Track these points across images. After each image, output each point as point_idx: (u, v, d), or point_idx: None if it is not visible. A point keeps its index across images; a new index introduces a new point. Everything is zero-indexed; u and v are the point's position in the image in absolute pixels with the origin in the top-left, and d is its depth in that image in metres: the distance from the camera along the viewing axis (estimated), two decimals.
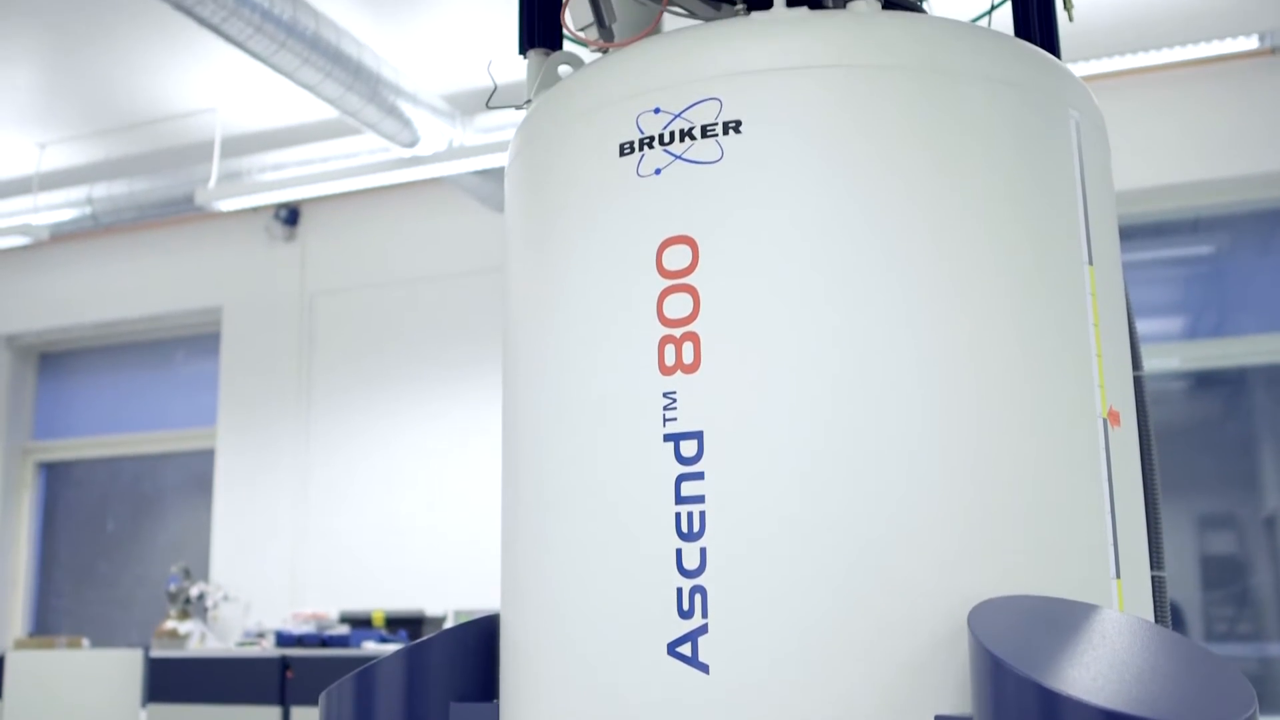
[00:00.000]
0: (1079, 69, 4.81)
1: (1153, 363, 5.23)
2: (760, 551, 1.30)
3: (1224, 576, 5.42)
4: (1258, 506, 5.39)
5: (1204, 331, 5.62)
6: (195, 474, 7.28)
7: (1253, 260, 5.58)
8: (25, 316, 7.66)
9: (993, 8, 1.86)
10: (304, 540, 6.62)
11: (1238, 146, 5.22)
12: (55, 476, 7.81)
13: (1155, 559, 1.56)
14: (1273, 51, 4.97)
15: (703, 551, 1.31)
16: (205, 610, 6.48)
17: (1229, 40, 4.79)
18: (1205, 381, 5.64)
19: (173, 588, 6.34)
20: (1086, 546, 1.37)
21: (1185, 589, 5.35)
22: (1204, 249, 5.73)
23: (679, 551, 1.32)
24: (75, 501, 7.75)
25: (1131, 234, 5.48)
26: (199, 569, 6.81)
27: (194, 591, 6.38)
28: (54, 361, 7.94)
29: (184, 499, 7.37)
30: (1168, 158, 5.29)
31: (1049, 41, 1.72)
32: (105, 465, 7.66)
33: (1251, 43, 4.80)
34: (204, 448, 7.18)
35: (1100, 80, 5.00)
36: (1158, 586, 1.56)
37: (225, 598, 6.54)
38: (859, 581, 1.28)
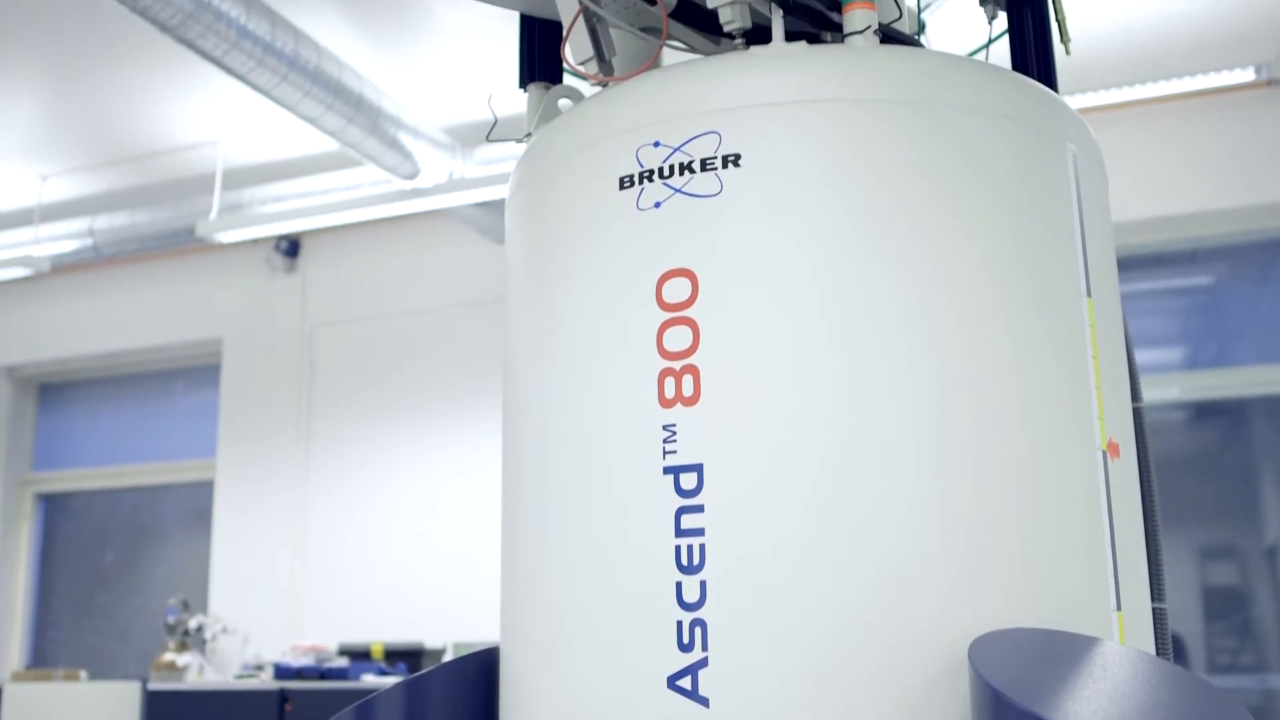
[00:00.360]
0: (1077, 101, 4.83)
1: (1152, 393, 5.23)
2: (760, 585, 1.29)
3: (1226, 608, 5.40)
4: (1259, 537, 5.38)
5: (1203, 362, 5.62)
6: (194, 506, 7.26)
7: (1251, 291, 5.59)
8: (26, 347, 7.66)
9: (990, 41, 1.87)
10: (303, 572, 6.60)
11: (1235, 177, 5.24)
12: (54, 508, 7.79)
13: (1156, 591, 1.55)
14: (1269, 83, 5.00)
15: (703, 584, 1.31)
16: (204, 642, 6.45)
17: (1225, 73, 4.82)
18: (1205, 412, 5.64)
19: (171, 620, 6.32)
20: (1087, 578, 1.37)
21: (1187, 620, 5.33)
22: (1203, 279, 5.74)
23: (679, 584, 1.32)
24: (74, 533, 7.73)
25: (1130, 265, 5.49)
26: (197, 601, 6.78)
27: (192, 623, 6.36)
28: (54, 392, 7.94)
29: (183, 531, 7.35)
30: (1166, 189, 5.30)
31: (1046, 75, 1.73)
32: (104, 496, 7.64)
33: (1248, 75, 4.82)
34: (203, 479, 7.17)
35: (1098, 112, 5.02)
36: (1159, 618, 1.55)
37: (224, 630, 6.52)
38: (859, 615, 1.28)
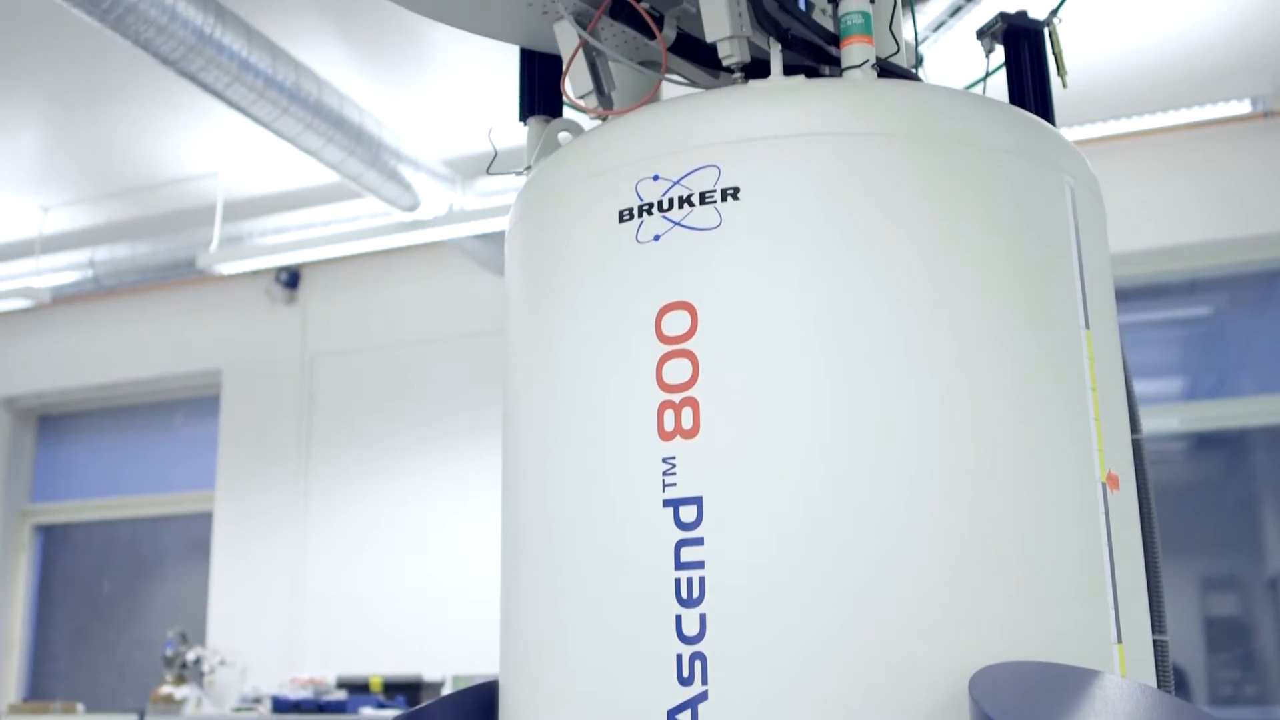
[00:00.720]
0: (1076, 133, 4.85)
1: (1152, 424, 5.23)
2: (760, 618, 1.29)
3: (1228, 639, 5.38)
4: (1261, 568, 5.37)
5: (1203, 393, 5.62)
6: (193, 537, 7.24)
7: (1250, 321, 5.60)
8: (25, 378, 7.66)
9: (987, 75, 1.88)
10: (301, 604, 6.58)
11: (1232, 208, 5.26)
12: (52, 539, 7.77)
13: (1157, 623, 1.55)
14: (1265, 115, 5.02)
15: (702, 617, 1.31)
16: (201, 675, 6.42)
17: (1222, 105, 4.84)
18: (1205, 442, 5.64)
19: (169, 652, 6.29)
20: (1087, 611, 1.37)
21: (1189, 652, 5.31)
22: (1202, 310, 5.75)
23: (679, 618, 1.32)
24: (72, 564, 7.71)
25: (1129, 295, 5.50)
26: (195, 633, 6.76)
27: (190, 656, 6.33)
28: (53, 424, 7.93)
29: (181, 562, 7.32)
30: (1164, 220, 5.32)
31: (1043, 108, 1.74)
32: (102, 528, 7.62)
33: (1244, 107, 4.85)
34: (202, 510, 7.15)
35: (1095, 144, 5.04)
36: (1160, 650, 1.55)
37: (222, 662, 6.49)
38: (858, 647, 1.27)
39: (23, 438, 7.84)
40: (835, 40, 1.53)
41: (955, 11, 2.69)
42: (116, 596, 7.48)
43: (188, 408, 7.54)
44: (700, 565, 1.32)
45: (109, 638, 7.41)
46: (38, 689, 7.53)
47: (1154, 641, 1.52)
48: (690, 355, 1.38)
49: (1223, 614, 5.45)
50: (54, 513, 7.74)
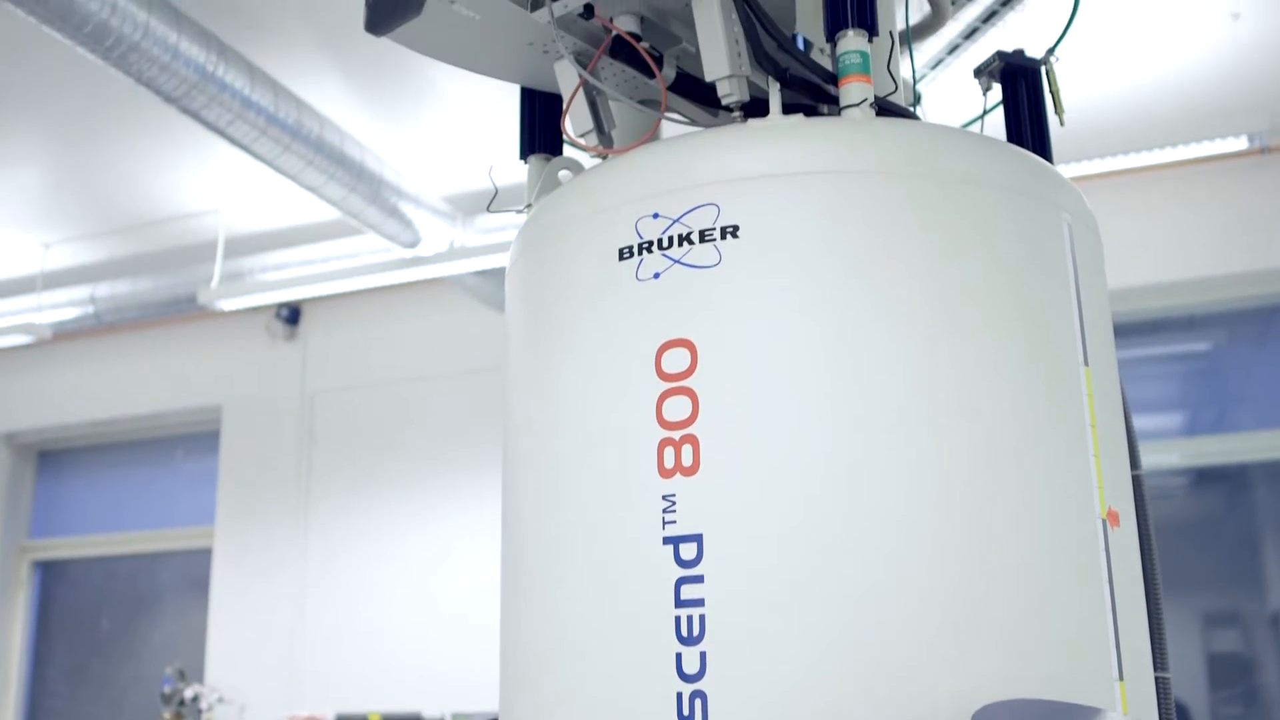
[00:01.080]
0: (1074, 169, 4.87)
1: (1152, 459, 5.22)
2: (761, 656, 1.29)
3: (1230, 675, 5.36)
4: (1263, 604, 5.35)
5: (1203, 428, 5.62)
6: (192, 574, 7.22)
7: (1249, 356, 5.60)
8: (26, 414, 7.66)
9: (985, 113, 1.89)
10: (300, 641, 6.55)
11: (1231, 244, 5.27)
12: (51, 575, 7.75)
13: (1159, 659, 1.55)
14: (1261, 151, 5.05)
15: (703, 655, 1.30)
16: (200, 712, 6.39)
17: (1219, 141, 4.87)
18: (1206, 478, 5.63)
19: (167, 689, 6.26)
20: (1088, 648, 1.36)
21: (1192, 689, 5.28)
22: (1201, 345, 5.76)
23: (679, 656, 1.31)
24: (70, 601, 7.68)
25: (1129, 330, 5.51)
26: (194, 670, 6.73)
27: (188, 693, 6.30)
28: (53, 459, 7.93)
29: (180, 599, 7.30)
30: (1162, 255, 5.34)
31: (1040, 146, 1.75)
32: (101, 564, 7.60)
33: (1241, 143, 4.87)
34: (201, 547, 7.13)
35: (1094, 180, 5.06)
36: (1162, 688, 1.55)
37: (220, 699, 6.45)
38: (859, 685, 1.27)
39: (22, 473, 7.83)
40: (834, 79, 1.54)
41: (953, 50, 2.71)
42: (115, 633, 7.45)
43: (188, 443, 7.53)
44: (700, 603, 1.32)
45: (107, 674, 7.37)
46: None
47: (1156, 678, 1.52)
48: (690, 392, 1.38)
49: (1225, 650, 5.43)
50: (53, 549, 7.72)
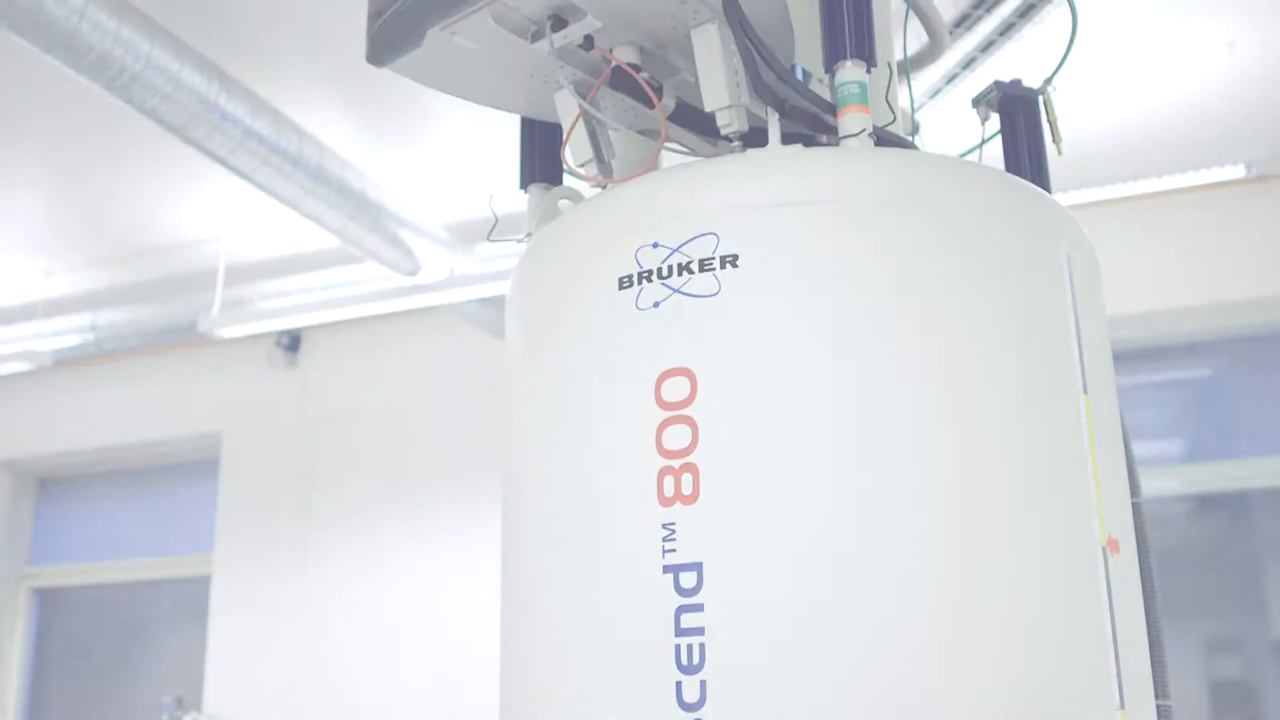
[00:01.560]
0: (1071, 197, 4.89)
1: (1152, 486, 5.21)
2: (761, 685, 1.29)
3: (1233, 702, 5.34)
4: (1265, 630, 5.34)
5: (1203, 455, 5.62)
6: (190, 601, 7.20)
7: (1250, 383, 5.60)
8: (26, 441, 7.65)
9: (983, 142, 1.91)
10: (300, 669, 6.53)
11: (1230, 271, 5.28)
12: (49, 602, 7.73)
13: (1160, 687, 1.54)
14: (1259, 179, 5.06)
15: (703, 684, 1.30)
16: None
17: (1216, 169, 4.89)
18: (1207, 504, 5.62)
19: (165, 717, 6.24)
20: (1089, 677, 1.36)
21: (1194, 716, 5.26)
22: (1201, 372, 5.76)
23: (679, 685, 1.31)
24: (69, 628, 7.66)
25: (1128, 357, 5.51)
26: (193, 697, 6.70)
27: None
28: (53, 486, 7.92)
29: (179, 626, 7.28)
30: (1162, 283, 5.35)
31: (1039, 175, 1.76)
32: (100, 591, 7.58)
33: (1239, 171, 4.89)
34: (200, 574, 7.12)
35: (1092, 208, 5.08)
36: (1163, 715, 1.54)
37: None
38: (860, 714, 1.27)
39: (22, 500, 7.82)
40: (832, 109, 1.55)
41: (951, 79, 2.73)
42: (114, 660, 7.42)
43: (188, 471, 7.53)
44: (700, 632, 1.32)
45: (106, 701, 7.34)
46: None
47: (1157, 706, 1.51)
48: (690, 421, 1.38)
49: (1227, 677, 5.41)
50: (52, 575, 7.70)
